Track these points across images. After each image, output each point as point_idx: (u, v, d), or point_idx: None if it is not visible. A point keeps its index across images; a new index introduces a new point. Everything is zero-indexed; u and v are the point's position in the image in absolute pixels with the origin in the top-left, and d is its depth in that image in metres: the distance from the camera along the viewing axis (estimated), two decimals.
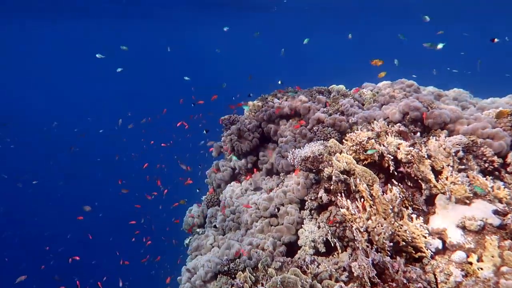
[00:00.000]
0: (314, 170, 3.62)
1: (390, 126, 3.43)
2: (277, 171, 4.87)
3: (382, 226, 2.45)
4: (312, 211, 3.70)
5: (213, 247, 4.22)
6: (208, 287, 3.66)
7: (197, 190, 6.79)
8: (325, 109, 4.63)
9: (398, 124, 3.94)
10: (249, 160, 5.09)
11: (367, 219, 2.59)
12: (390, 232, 2.41)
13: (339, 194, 3.31)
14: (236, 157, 4.96)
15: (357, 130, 4.26)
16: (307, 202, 3.72)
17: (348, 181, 3.13)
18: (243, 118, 5.23)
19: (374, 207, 2.66)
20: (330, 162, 3.43)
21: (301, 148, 3.98)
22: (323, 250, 3.47)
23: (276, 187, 4.58)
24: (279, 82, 6.26)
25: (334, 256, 3.28)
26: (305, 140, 4.34)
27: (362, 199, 2.79)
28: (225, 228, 4.49)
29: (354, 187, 3.02)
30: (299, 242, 3.69)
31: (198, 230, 5.31)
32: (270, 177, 4.94)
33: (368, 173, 2.99)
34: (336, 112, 4.57)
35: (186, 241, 5.43)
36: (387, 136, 3.20)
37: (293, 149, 3.84)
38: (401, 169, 3.11)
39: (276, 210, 4.06)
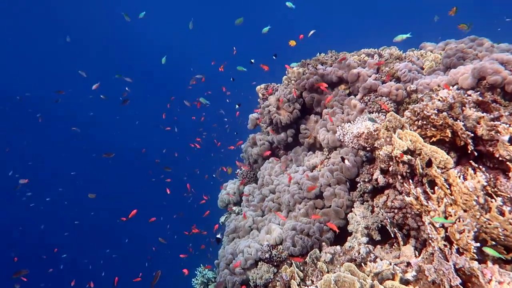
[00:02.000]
0: (368, 148, 3.18)
1: (464, 94, 2.87)
2: (320, 146, 4.46)
3: (464, 221, 2.02)
4: (365, 195, 3.30)
5: (252, 229, 3.96)
6: (248, 274, 3.43)
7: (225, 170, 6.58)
8: (377, 75, 4.08)
9: (471, 91, 3.37)
10: (289, 133, 4.70)
11: (444, 212, 2.16)
12: (476, 230, 1.98)
13: (399, 177, 2.88)
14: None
15: (417, 99, 3.73)
16: (359, 184, 3.31)
17: (412, 163, 2.68)
18: (282, 87, 4.79)
19: (451, 196, 2.22)
20: (388, 139, 2.97)
21: (351, 121, 3.53)
22: (378, 238, 3.10)
23: (320, 165, 4.20)
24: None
25: (393, 247, 2.90)
26: (355, 112, 3.86)
27: (436, 187, 2.35)
28: (264, 208, 4.20)
29: (421, 170, 2.57)
30: (349, 228, 3.33)
31: (234, 208, 5.08)
32: (313, 153, 4.55)
33: (439, 154, 2.53)
34: (390, 79, 4.01)
35: (222, 219, 5.25)
36: (464, 107, 2.68)
37: (343, 123, 3.40)
38: (481, 147, 2.61)
39: (322, 191, 3.69)
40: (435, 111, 2.72)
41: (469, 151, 2.52)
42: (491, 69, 3.15)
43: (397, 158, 2.76)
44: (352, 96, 4.06)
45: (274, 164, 4.66)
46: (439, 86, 3.69)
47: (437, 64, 4.09)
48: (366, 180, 3.21)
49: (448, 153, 2.77)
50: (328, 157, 4.34)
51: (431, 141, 2.80)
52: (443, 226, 2.15)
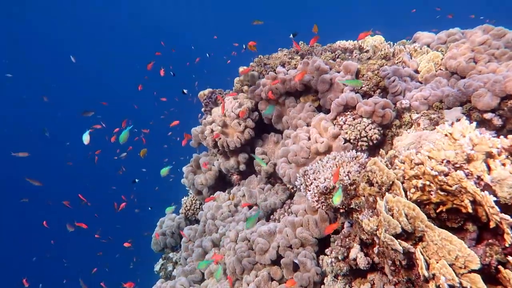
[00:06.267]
0: (342, 210, 2.25)
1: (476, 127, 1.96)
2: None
3: None
4: (339, 277, 2.39)
5: None
6: None
7: (149, 208, 5.73)
8: None
9: (490, 114, 2.48)
10: (241, 159, 3.74)
11: None
12: None
13: (389, 261, 1.98)
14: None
15: (411, 121, 2.83)
16: (331, 261, 2.39)
17: (412, 251, 1.77)
18: (230, 96, 3.78)
19: None
20: (371, 200, 2.06)
21: (320, 154, 2.60)
22: None
23: (280, 209, 3.27)
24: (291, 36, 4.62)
25: None
26: (325, 139, 2.91)
27: None
28: (204, 270, 3.25)
29: (425, 272, 1.66)
30: None
31: (171, 255, 4.14)
32: (272, 186, 3.61)
33: (456, 245, 1.62)
34: (374, 89, 3.08)
35: (156, 267, 4.29)
36: (493, 160, 1.76)
37: (306, 168, 2.45)
38: None
39: (280, 253, 2.77)
40: (444, 168, 1.79)
41: (506, 244, 1.62)
42: None
43: (386, 244, 1.85)
44: (322, 115, 3.11)
45: (220, 202, 3.69)
46: (441, 102, 2.78)
47: (437, 67, 3.17)
48: (340, 257, 2.29)
49: (463, 225, 1.89)
50: (291, 194, 3.43)
51: (438, 210, 1.90)
52: None
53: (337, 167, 2.15)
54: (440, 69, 3.12)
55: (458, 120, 2.15)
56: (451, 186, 1.76)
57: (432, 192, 1.87)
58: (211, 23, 28.19)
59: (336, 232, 2.57)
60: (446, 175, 1.79)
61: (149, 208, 6.55)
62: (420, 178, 1.91)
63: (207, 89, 4.12)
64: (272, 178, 3.75)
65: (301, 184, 2.43)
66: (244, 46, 4.26)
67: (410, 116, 2.85)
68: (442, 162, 1.84)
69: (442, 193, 1.83)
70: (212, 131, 3.63)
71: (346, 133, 2.85)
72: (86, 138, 3.48)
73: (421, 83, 3.17)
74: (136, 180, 5.32)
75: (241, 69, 3.95)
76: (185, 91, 5.27)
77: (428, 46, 3.58)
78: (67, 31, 26.22)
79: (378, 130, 2.79)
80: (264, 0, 27.67)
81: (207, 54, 5.81)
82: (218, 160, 3.97)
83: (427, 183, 1.86)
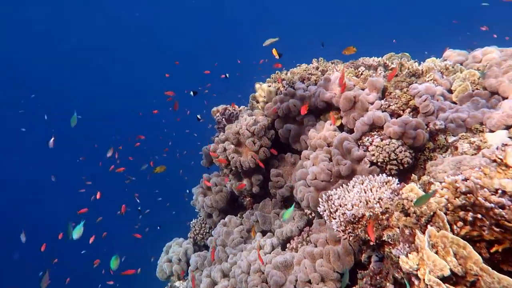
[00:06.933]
0: (372, 243, 1.97)
1: None
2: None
3: None
4: None
5: None
6: None
7: (158, 227, 5.53)
8: (383, 102, 2.89)
9: None
10: (254, 181, 3.48)
11: None
12: None
13: None
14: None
15: (447, 144, 2.55)
16: None
17: None
18: (245, 114, 3.56)
19: None
20: (408, 234, 1.78)
21: (343, 177, 2.33)
22: None
23: (297, 237, 2.98)
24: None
25: None
26: (348, 161, 2.64)
27: None
28: None
29: None
30: None
31: (177, 284, 3.85)
32: None
33: None
34: (403, 108, 2.83)
35: None
36: None
37: (330, 192, 2.18)
38: None
39: None
40: (502, 199, 1.51)
41: None
42: None
43: None
44: (345, 134, 2.85)
45: (231, 228, 3.42)
46: (482, 124, 2.51)
47: (473, 86, 2.90)
48: None
49: None
50: (309, 221, 3.15)
51: (492, 250, 1.61)
52: None
53: (370, 223, 1.88)
54: (477, 88, 2.86)
55: (504, 144, 1.87)
56: (510, 222, 1.48)
57: (484, 228, 1.58)
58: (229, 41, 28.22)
59: (363, 266, 2.29)
60: (502, 207, 1.50)
61: (158, 228, 6.32)
62: (469, 210, 1.62)
63: (220, 105, 3.92)
64: (288, 202, 3.49)
65: (324, 211, 2.16)
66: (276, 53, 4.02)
67: (445, 138, 2.58)
68: (497, 192, 1.56)
69: (497, 229, 1.55)
70: (224, 149, 3.40)
71: (373, 155, 2.59)
72: (77, 232, 2.84)
73: (455, 103, 2.91)
74: (139, 208, 5.14)
75: (257, 85, 3.74)
76: (199, 116, 5.12)
77: (461, 64, 3.34)
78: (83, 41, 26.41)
79: (410, 153, 2.52)
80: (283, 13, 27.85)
81: (226, 75, 5.72)
82: (230, 181, 3.71)
83: (479, 216, 1.58)
